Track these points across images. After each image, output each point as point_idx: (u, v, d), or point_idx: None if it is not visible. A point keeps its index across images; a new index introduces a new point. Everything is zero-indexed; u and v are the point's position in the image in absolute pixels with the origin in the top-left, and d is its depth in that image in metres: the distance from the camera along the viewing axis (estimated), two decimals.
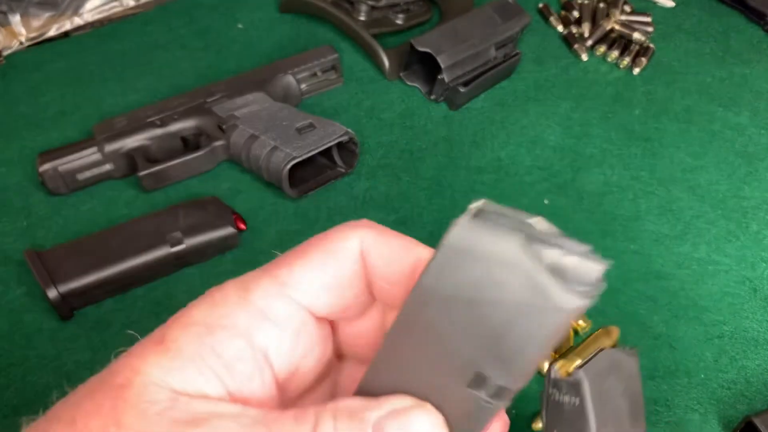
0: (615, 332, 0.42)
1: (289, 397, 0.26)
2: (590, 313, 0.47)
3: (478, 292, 0.19)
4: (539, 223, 0.19)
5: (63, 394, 0.25)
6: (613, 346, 0.40)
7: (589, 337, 0.41)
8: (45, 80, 0.62)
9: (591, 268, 0.18)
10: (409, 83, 0.63)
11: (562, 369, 0.35)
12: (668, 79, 0.65)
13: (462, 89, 0.60)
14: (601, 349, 0.36)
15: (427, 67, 0.61)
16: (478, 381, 0.21)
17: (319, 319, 0.26)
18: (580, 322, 0.46)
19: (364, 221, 0.26)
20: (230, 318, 0.24)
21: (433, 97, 0.61)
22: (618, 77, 0.65)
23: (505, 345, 0.19)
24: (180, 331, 0.24)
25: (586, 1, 0.71)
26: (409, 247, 0.25)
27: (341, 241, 0.25)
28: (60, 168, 0.52)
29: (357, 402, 0.23)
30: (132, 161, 0.53)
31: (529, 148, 0.58)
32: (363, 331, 0.28)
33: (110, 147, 0.53)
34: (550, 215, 0.55)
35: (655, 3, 0.73)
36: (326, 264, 0.25)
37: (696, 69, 0.66)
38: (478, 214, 0.19)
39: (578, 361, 0.35)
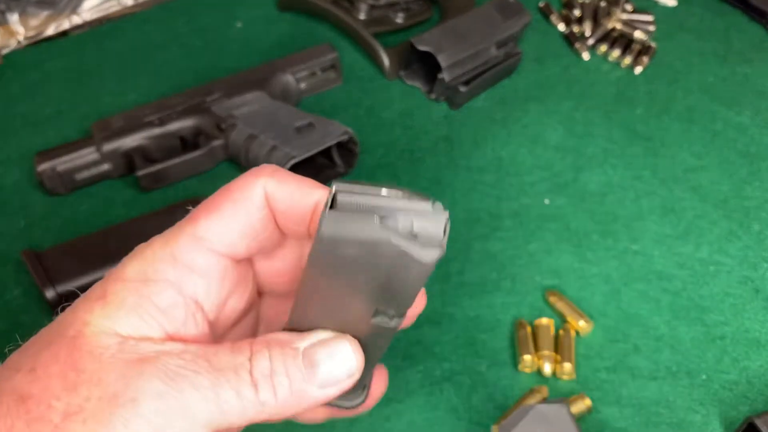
0: (544, 390, 0.43)
1: (219, 333, 0.30)
2: (592, 314, 0.47)
3: (358, 263, 0.24)
4: (388, 192, 0.23)
5: (17, 346, 0.27)
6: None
7: (519, 399, 0.43)
8: (43, 79, 0.62)
9: (436, 228, 0.23)
10: (409, 82, 0.63)
11: None
12: (670, 79, 0.65)
13: (462, 88, 0.59)
14: (524, 406, 0.37)
15: (427, 66, 0.61)
16: (378, 313, 0.27)
17: (239, 262, 0.29)
18: (581, 323, 0.46)
19: (266, 167, 0.29)
20: (161, 273, 0.27)
21: (433, 96, 0.61)
22: (619, 76, 0.65)
23: (391, 289, 0.25)
24: (119, 285, 0.27)
25: (587, 0, 0.71)
26: (307, 191, 0.28)
27: (246, 190, 0.28)
28: (58, 168, 0.51)
29: (286, 335, 0.27)
30: (130, 161, 0.53)
31: (530, 148, 0.58)
32: (279, 267, 0.32)
33: (108, 146, 0.52)
34: (550, 215, 0.55)
35: (656, 2, 0.73)
36: (236, 214, 0.28)
37: (698, 68, 0.66)
38: (335, 202, 0.23)
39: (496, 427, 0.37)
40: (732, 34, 0.70)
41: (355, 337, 0.28)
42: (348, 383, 0.28)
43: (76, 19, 0.66)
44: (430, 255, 0.23)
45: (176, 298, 0.27)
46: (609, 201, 0.54)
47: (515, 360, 0.45)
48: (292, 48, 0.64)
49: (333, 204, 0.23)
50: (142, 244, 0.29)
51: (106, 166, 0.53)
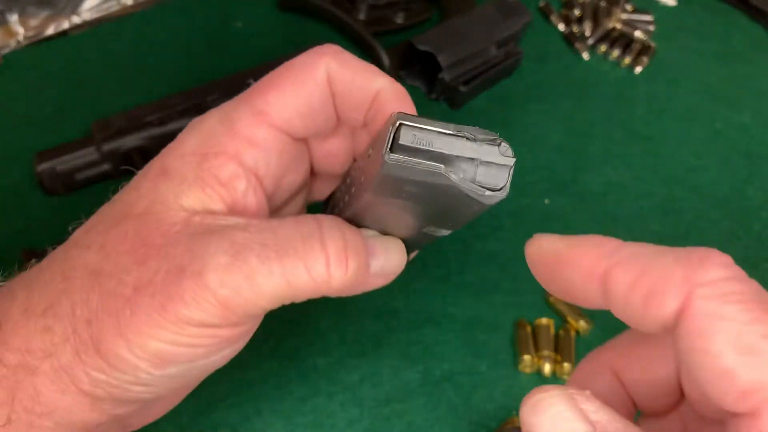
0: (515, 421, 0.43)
1: (273, 208, 0.31)
2: (593, 315, 0.47)
3: (418, 196, 0.24)
4: (455, 129, 0.23)
5: (80, 224, 0.29)
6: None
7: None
8: (43, 79, 0.61)
9: (499, 175, 0.24)
10: (409, 82, 0.62)
11: None
12: (670, 78, 0.65)
13: (462, 88, 0.59)
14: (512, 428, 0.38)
15: (427, 65, 0.61)
16: (430, 227, 0.27)
17: (296, 140, 0.29)
18: (581, 323, 0.46)
19: (329, 47, 0.29)
20: (221, 146, 0.27)
21: (433, 96, 0.61)
22: (619, 76, 0.65)
23: (447, 217, 0.26)
24: (179, 161, 0.27)
25: (587, 0, 0.71)
26: (370, 77, 0.28)
27: (309, 68, 0.28)
28: (58, 168, 0.51)
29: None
30: (130, 161, 0.53)
31: (530, 148, 0.58)
32: (333, 150, 0.32)
33: (108, 146, 0.52)
34: (550, 215, 0.55)
35: (656, 2, 0.73)
36: (298, 91, 0.28)
37: (698, 68, 0.66)
38: (398, 135, 0.23)
39: None
40: (732, 34, 0.70)
41: (401, 238, 0.29)
42: (391, 278, 0.29)
43: (76, 19, 0.66)
44: (491, 198, 0.23)
45: (237, 170, 0.27)
46: (609, 201, 0.54)
47: (515, 360, 0.45)
48: (291, 48, 0.63)
49: (396, 137, 0.22)
50: (197, 119, 0.29)
51: (106, 166, 0.53)
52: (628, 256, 0.20)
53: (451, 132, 0.23)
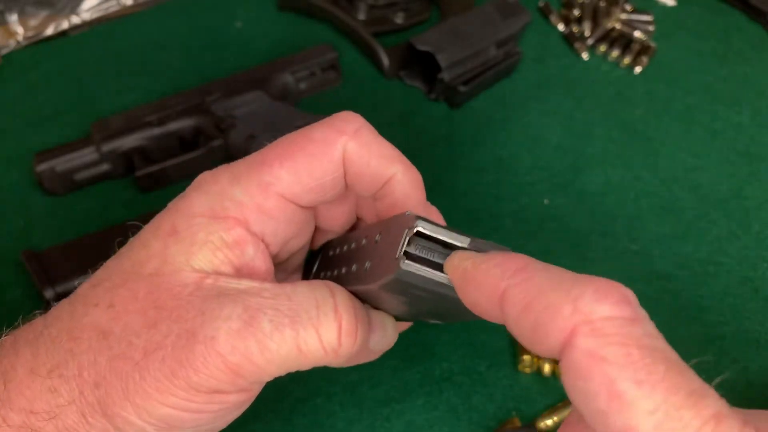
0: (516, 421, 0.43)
1: (277, 263, 0.31)
2: None
3: (425, 299, 0.24)
4: (470, 244, 0.24)
5: (85, 278, 0.28)
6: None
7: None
8: (42, 79, 0.61)
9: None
10: (408, 82, 0.62)
11: None
12: (669, 78, 0.65)
13: (462, 88, 0.59)
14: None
15: (426, 65, 0.61)
16: (426, 317, 0.29)
17: (304, 208, 0.30)
18: None
19: (351, 121, 0.29)
20: (230, 210, 0.27)
21: (432, 96, 0.61)
22: (619, 76, 0.65)
23: (447, 317, 0.27)
24: (189, 221, 0.27)
25: (586, 0, 0.71)
26: (386, 163, 0.29)
27: (326, 147, 0.28)
28: (57, 168, 0.51)
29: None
30: (129, 161, 0.53)
31: (530, 148, 0.58)
32: (338, 213, 0.32)
33: (107, 147, 0.52)
34: (550, 215, 0.55)
35: (656, 2, 0.73)
36: (312, 170, 0.28)
37: (697, 68, 0.66)
38: (411, 250, 0.24)
39: None
40: (732, 34, 0.70)
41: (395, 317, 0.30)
42: (380, 354, 0.30)
43: (76, 19, 0.66)
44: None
45: (245, 235, 0.27)
46: (609, 201, 0.54)
47: (515, 360, 0.45)
48: (291, 48, 0.64)
49: (410, 242, 0.23)
50: (208, 174, 0.29)
51: (105, 167, 0.53)
52: (525, 279, 0.20)
53: (466, 246, 0.24)
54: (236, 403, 0.26)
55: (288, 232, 0.29)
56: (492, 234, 0.52)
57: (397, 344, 0.46)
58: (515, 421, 0.43)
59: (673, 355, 0.18)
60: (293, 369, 0.26)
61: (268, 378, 0.26)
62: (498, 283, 0.21)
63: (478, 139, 0.58)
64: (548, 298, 0.19)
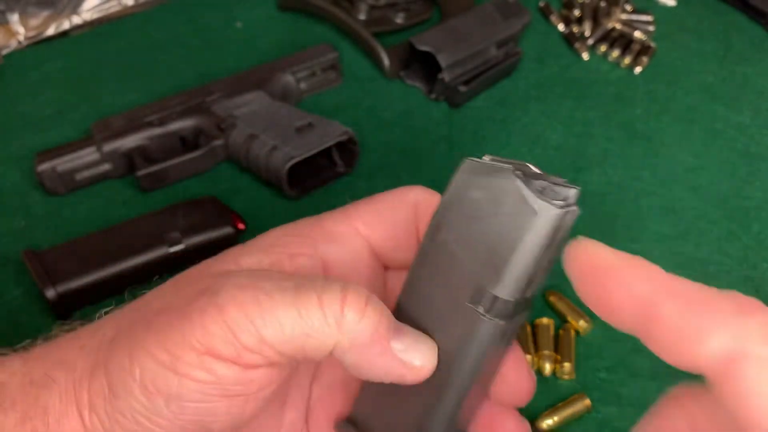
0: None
1: None
2: (593, 315, 0.47)
3: (479, 210, 0.24)
4: (530, 166, 0.24)
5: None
6: None
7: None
8: (43, 79, 0.62)
9: (567, 191, 0.23)
10: (409, 82, 0.63)
11: None
12: (670, 79, 0.65)
13: (462, 88, 0.59)
14: None
15: (427, 66, 0.61)
16: (477, 295, 0.24)
17: (375, 256, 0.30)
18: (581, 323, 0.46)
19: (419, 187, 0.30)
20: (303, 234, 0.29)
21: (433, 96, 0.61)
22: (619, 76, 0.65)
23: (498, 253, 0.23)
24: (257, 245, 0.29)
25: (587, 0, 0.71)
26: None
27: (401, 194, 0.30)
28: (58, 168, 0.51)
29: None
30: (130, 161, 0.53)
31: (530, 148, 0.58)
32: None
33: (108, 147, 0.52)
34: None
35: (656, 2, 0.73)
36: (386, 209, 0.30)
37: (697, 68, 0.66)
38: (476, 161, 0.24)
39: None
40: (732, 34, 0.70)
41: (444, 331, 0.26)
42: (416, 372, 0.25)
43: (77, 20, 0.66)
44: (548, 208, 0.22)
45: (311, 255, 0.29)
46: (608, 201, 0.54)
47: None
48: (292, 48, 0.64)
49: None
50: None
51: (106, 166, 0.53)
52: (678, 289, 0.20)
53: (533, 169, 0.24)
54: (225, 381, 0.25)
55: (351, 263, 0.30)
56: None
57: None
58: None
59: None
60: (297, 343, 0.24)
61: (269, 351, 0.24)
62: (647, 290, 0.20)
63: (478, 139, 0.58)
64: (706, 308, 0.19)
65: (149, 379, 0.24)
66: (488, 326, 0.24)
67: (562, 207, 0.22)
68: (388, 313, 0.26)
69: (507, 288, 0.23)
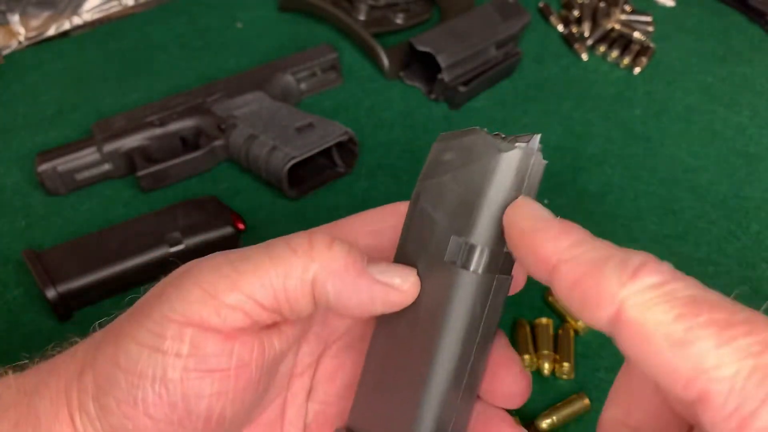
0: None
1: None
2: None
3: (450, 168, 0.25)
4: (500, 134, 0.25)
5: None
6: None
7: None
8: (44, 80, 0.62)
9: (529, 137, 0.24)
10: (408, 82, 0.63)
11: None
12: (669, 79, 0.65)
13: (462, 88, 0.59)
14: None
15: (427, 66, 0.61)
16: (453, 251, 0.25)
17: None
18: (581, 323, 0.46)
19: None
20: (285, 264, 0.26)
21: (433, 96, 0.61)
22: (618, 77, 0.65)
23: (468, 201, 0.24)
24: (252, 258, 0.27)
25: (586, 1, 0.71)
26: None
27: (393, 207, 0.30)
28: (59, 168, 0.51)
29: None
30: (131, 161, 0.53)
31: None
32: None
33: (109, 147, 0.53)
34: None
35: (655, 2, 0.73)
36: (376, 221, 0.30)
37: (697, 68, 0.66)
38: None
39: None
40: (731, 34, 0.70)
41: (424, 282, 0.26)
42: (403, 292, 0.26)
43: (77, 20, 0.67)
44: (509, 148, 0.24)
45: (299, 283, 0.28)
46: (608, 201, 0.55)
47: None
48: (292, 48, 0.64)
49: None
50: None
51: (106, 167, 0.53)
52: (575, 256, 0.21)
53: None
54: (211, 351, 0.24)
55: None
56: None
57: None
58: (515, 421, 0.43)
59: (714, 296, 0.19)
60: (275, 286, 0.25)
61: (250, 303, 0.25)
62: (551, 256, 0.21)
63: None
64: (595, 279, 0.20)
65: (133, 363, 0.24)
66: (466, 279, 0.25)
67: (523, 149, 0.24)
68: (357, 247, 0.26)
69: (480, 235, 0.24)
